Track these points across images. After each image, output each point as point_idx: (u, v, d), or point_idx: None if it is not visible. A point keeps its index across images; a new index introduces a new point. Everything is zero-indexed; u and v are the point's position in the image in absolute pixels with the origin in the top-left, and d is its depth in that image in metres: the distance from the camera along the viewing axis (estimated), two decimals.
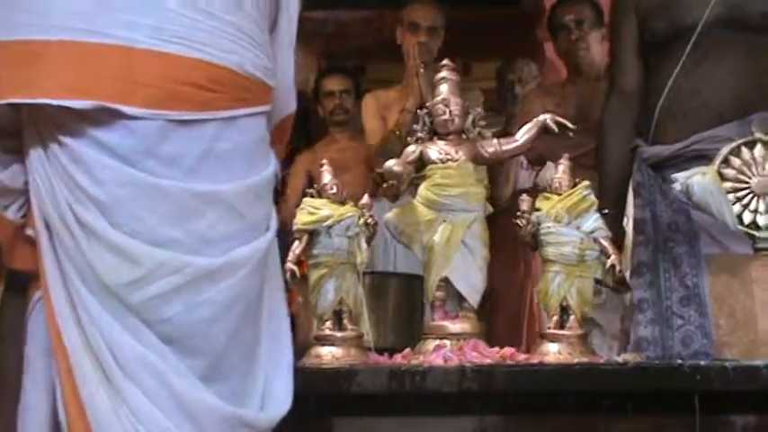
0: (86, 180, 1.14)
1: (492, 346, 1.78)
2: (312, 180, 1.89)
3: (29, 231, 1.19)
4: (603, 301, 3.04)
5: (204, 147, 1.18)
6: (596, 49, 3.53)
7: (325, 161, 1.91)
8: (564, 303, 1.82)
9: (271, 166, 1.26)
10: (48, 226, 1.16)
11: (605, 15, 3.53)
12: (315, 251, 1.82)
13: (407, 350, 1.77)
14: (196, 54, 1.17)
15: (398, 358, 1.73)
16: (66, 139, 1.15)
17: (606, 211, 2.38)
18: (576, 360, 1.72)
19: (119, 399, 1.13)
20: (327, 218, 1.82)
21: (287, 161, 4.44)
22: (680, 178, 1.85)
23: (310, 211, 1.84)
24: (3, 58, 1.15)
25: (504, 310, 3.54)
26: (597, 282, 1.88)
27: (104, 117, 1.14)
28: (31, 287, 1.21)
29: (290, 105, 1.35)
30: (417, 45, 3.31)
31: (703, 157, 1.99)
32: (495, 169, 3.84)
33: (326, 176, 1.87)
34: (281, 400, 1.26)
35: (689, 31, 2.24)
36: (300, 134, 4.92)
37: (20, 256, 1.20)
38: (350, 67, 4.53)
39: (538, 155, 3.29)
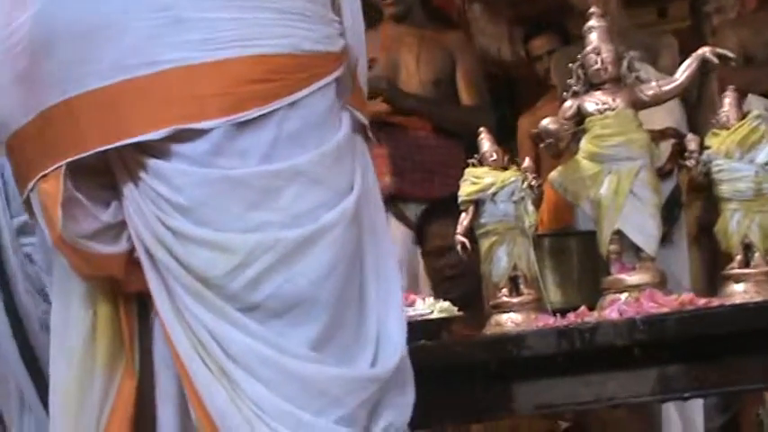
0: (166, 190, 1.19)
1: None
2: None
3: (136, 255, 1.25)
4: None
5: (273, 134, 1.20)
6: None
7: (483, 129, 1.90)
8: (746, 241, 1.74)
9: (342, 129, 1.26)
10: (145, 245, 1.22)
11: None
12: (482, 220, 1.83)
13: (582, 308, 1.74)
14: (249, 51, 1.20)
15: (571, 317, 1.71)
16: (147, 160, 1.20)
17: None
18: (760, 298, 1.64)
19: (238, 391, 1.17)
20: (491, 185, 1.82)
21: (500, 130, 4.42)
22: None
23: (473, 180, 1.85)
24: (80, 111, 1.21)
25: None
26: None
27: (180, 134, 1.19)
28: (149, 307, 1.27)
29: (360, 50, 1.33)
30: None
31: None
32: (696, 108, 3.70)
33: (486, 144, 1.87)
34: (395, 341, 1.26)
35: None
36: (506, 101, 4.90)
37: (134, 280, 1.26)
38: (558, 22, 4.41)
39: (741, 87, 3.14)
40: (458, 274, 3.05)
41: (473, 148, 3.85)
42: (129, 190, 1.22)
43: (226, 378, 1.18)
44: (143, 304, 1.29)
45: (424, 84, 3.73)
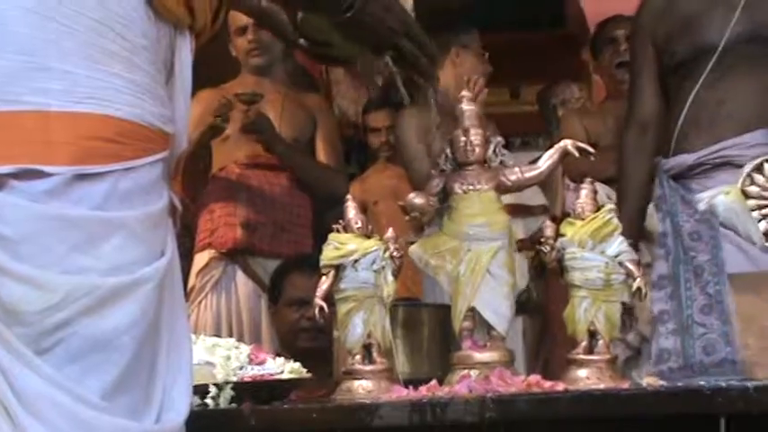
0: None
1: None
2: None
3: None
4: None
5: (108, 189, 1.25)
6: None
7: (349, 196, 1.94)
8: (591, 328, 1.82)
9: (164, 199, 1.33)
10: None
11: None
12: (342, 286, 1.85)
13: (433, 382, 1.78)
14: (103, 111, 1.26)
15: (423, 390, 1.74)
16: None
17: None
18: (602, 386, 1.72)
19: None
20: (353, 252, 1.85)
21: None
22: (704, 198, 1.84)
23: (336, 246, 1.87)
24: None
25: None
26: None
27: (24, 172, 1.22)
28: None
29: (183, 143, 1.42)
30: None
31: (729, 164, 1.99)
32: (543, 192, 3.85)
33: (351, 211, 1.90)
34: (178, 408, 1.30)
35: (710, 49, 2.26)
36: (357, 164, 4.97)
37: None
38: (395, 98, 4.54)
39: (582, 173, 3.29)
40: (313, 327, 3.08)
41: (323, 208, 3.89)
42: None
43: (14, 424, 1.18)
44: None
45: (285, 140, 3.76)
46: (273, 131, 3.66)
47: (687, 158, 2.20)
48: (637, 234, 2.27)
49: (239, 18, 3.68)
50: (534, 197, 3.74)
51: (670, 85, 2.39)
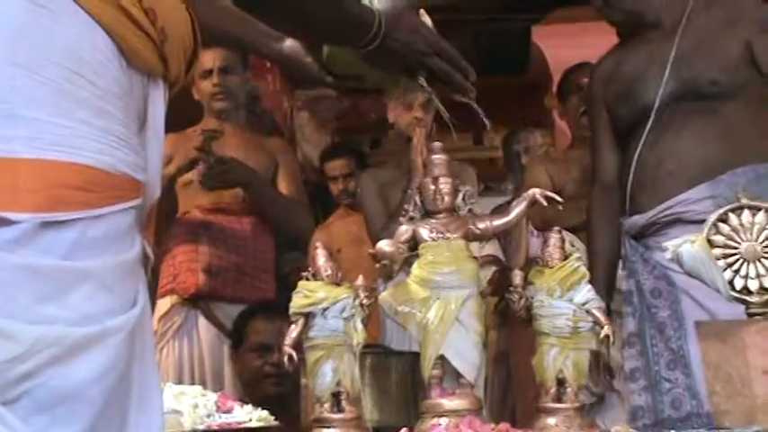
0: None
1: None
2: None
3: None
4: (619, 365, 3.05)
5: (76, 237, 1.23)
6: None
7: (318, 244, 1.94)
8: (560, 376, 1.83)
9: (136, 248, 1.31)
10: None
11: None
12: (311, 334, 1.84)
13: (403, 430, 1.78)
14: (71, 158, 1.24)
15: None
16: None
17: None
18: None
19: None
20: (322, 300, 1.84)
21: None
22: (669, 247, 1.87)
23: (305, 294, 1.87)
24: None
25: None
26: None
27: None
28: None
29: (156, 192, 1.41)
30: (416, 121, 3.31)
31: (680, 221, 2.02)
32: (506, 239, 3.86)
33: (320, 259, 1.90)
34: None
35: (649, 110, 2.31)
36: (321, 209, 4.97)
37: None
38: (354, 145, 4.57)
39: (546, 221, 3.31)
40: (278, 374, 3.07)
41: (284, 250, 3.87)
42: None
43: None
44: None
45: None
46: (236, 164, 3.64)
47: (639, 219, 2.24)
48: (606, 293, 2.30)
49: (205, 61, 3.69)
50: (483, 248, 3.76)
51: (622, 147, 2.45)
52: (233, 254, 3.71)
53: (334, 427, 1.80)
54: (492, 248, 3.77)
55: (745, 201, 1.84)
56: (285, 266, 3.88)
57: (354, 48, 1.71)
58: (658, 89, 2.30)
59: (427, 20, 1.85)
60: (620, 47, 2.69)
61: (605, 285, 2.34)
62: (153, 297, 3.63)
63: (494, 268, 3.75)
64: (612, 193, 2.50)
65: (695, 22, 2.44)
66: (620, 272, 2.31)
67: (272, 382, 3.18)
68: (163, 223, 3.69)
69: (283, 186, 3.83)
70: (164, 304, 3.72)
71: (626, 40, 2.65)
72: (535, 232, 3.80)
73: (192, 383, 2.91)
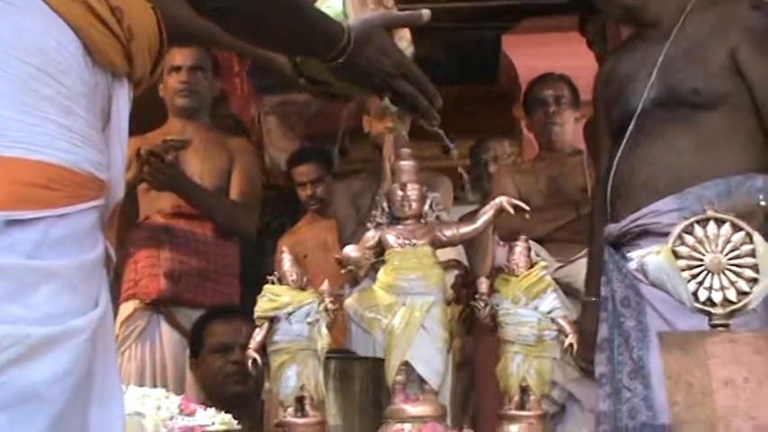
0: None
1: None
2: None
3: None
4: (580, 377, 3.06)
5: (39, 236, 1.22)
6: (569, 126, 3.61)
7: (284, 249, 1.93)
8: (523, 384, 1.83)
9: (99, 249, 1.30)
10: None
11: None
12: (275, 338, 1.84)
13: None
14: (34, 156, 1.22)
15: None
16: None
17: (593, 299, 2.42)
18: None
19: None
20: (287, 304, 1.84)
21: (273, 239, 4.48)
22: (635, 257, 1.88)
23: (270, 298, 1.86)
24: None
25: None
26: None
27: None
28: None
29: (119, 192, 1.39)
30: (387, 130, 3.30)
31: (648, 233, 2.03)
32: (472, 247, 3.87)
33: (286, 263, 1.90)
34: None
35: (632, 115, 2.30)
36: (288, 214, 4.96)
37: None
38: (323, 150, 4.56)
39: (512, 231, 3.32)
40: (240, 372, 3.06)
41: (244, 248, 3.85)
42: None
43: None
44: None
45: (208, 187, 3.73)
46: (178, 176, 3.60)
47: (613, 229, 2.24)
48: (597, 292, 2.31)
49: (175, 57, 3.67)
50: (444, 252, 3.76)
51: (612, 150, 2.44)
52: (194, 258, 3.69)
53: (297, 431, 1.79)
54: (454, 253, 3.78)
55: (710, 212, 1.84)
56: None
57: (322, 60, 1.72)
58: (643, 95, 2.29)
59: (405, 42, 1.86)
60: (622, 45, 2.66)
61: (598, 284, 2.33)
62: (115, 300, 3.61)
63: (456, 272, 3.75)
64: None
65: (690, 25, 2.39)
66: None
67: (235, 381, 3.17)
68: (125, 227, 3.66)
69: (234, 186, 3.78)
70: (126, 308, 3.69)
71: (629, 38, 2.62)
72: (501, 243, 3.82)
73: (155, 388, 2.89)
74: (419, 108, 1.84)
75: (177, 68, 3.72)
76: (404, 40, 1.86)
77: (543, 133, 3.67)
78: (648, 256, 1.86)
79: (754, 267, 1.80)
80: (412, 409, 1.82)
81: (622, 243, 2.21)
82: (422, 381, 1.85)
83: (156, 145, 3.54)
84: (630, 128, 2.27)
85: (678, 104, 2.28)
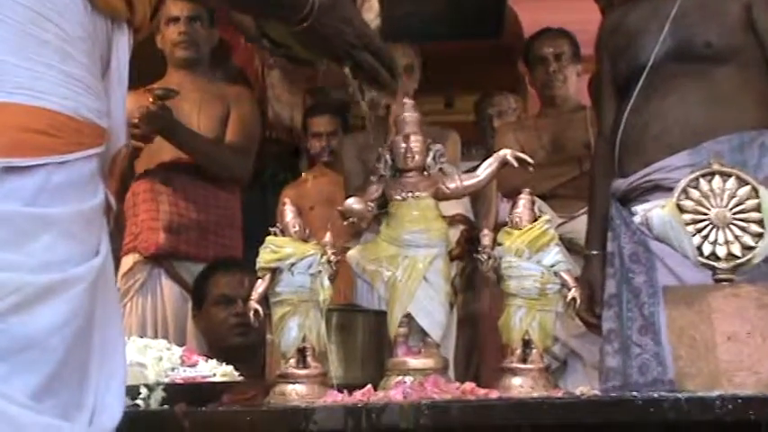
0: None
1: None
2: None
3: None
4: (582, 332, 3.07)
5: (40, 183, 1.21)
6: (572, 82, 3.58)
7: (287, 200, 1.92)
8: (526, 337, 1.83)
9: (99, 197, 1.30)
10: None
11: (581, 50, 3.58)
12: (277, 289, 1.83)
13: (368, 387, 1.77)
14: (34, 102, 1.22)
15: (358, 395, 1.73)
16: None
17: (595, 252, 2.41)
18: (536, 394, 1.73)
19: None
20: (289, 256, 1.83)
21: (276, 192, 4.47)
22: (639, 211, 1.86)
23: (273, 249, 1.85)
24: None
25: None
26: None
27: None
28: None
29: (120, 140, 1.39)
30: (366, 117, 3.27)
31: (659, 188, 2.01)
32: (477, 202, 3.87)
33: (289, 215, 1.88)
34: (112, 412, 1.28)
35: (644, 68, 2.27)
36: (290, 168, 4.95)
37: None
38: (337, 103, 4.54)
39: (514, 188, 3.31)
40: (243, 323, 3.07)
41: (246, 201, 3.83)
42: None
43: None
44: None
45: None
46: (170, 119, 3.57)
47: (621, 184, 2.22)
48: (600, 246, 2.29)
49: (173, 8, 3.63)
50: (450, 207, 3.77)
51: (618, 106, 2.41)
52: (194, 211, 3.67)
53: (298, 382, 1.79)
54: (461, 207, 3.77)
55: (716, 166, 1.83)
56: None
57: (285, 25, 1.70)
58: (655, 46, 2.26)
59: (372, 13, 1.84)
60: None
61: (600, 238, 2.32)
62: (117, 250, 3.61)
63: (462, 227, 3.74)
64: (613, 147, 2.47)
65: None
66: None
67: (238, 333, 3.19)
68: (127, 181, 3.65)
69: (229, 132, 3.73)
70: (126, 262, 3.69)
71: None
72: (505, 199, 3.81)
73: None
74: (379, 80, 1.83)
75: (175, 19, 3.69)
76: (371, 11, 1.85)
77: (545, 90, 3.65)
78: (653, 210, 1.85)
79: (760, 222, 1.79)
80: (414, 362, 1.82)
81: (630, 198, 2.19)
82: (424, 333, 1.84)
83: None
84: (641, 81, 2.24)
85: (690, 58, 2.26)
